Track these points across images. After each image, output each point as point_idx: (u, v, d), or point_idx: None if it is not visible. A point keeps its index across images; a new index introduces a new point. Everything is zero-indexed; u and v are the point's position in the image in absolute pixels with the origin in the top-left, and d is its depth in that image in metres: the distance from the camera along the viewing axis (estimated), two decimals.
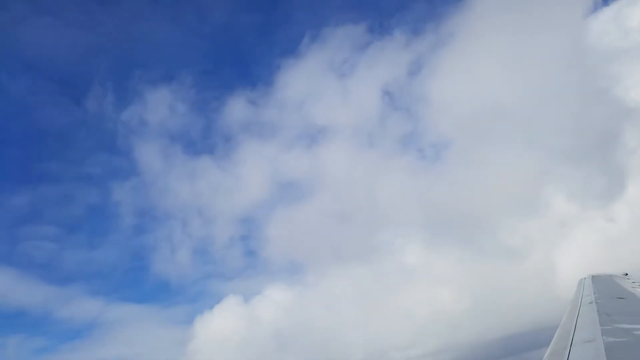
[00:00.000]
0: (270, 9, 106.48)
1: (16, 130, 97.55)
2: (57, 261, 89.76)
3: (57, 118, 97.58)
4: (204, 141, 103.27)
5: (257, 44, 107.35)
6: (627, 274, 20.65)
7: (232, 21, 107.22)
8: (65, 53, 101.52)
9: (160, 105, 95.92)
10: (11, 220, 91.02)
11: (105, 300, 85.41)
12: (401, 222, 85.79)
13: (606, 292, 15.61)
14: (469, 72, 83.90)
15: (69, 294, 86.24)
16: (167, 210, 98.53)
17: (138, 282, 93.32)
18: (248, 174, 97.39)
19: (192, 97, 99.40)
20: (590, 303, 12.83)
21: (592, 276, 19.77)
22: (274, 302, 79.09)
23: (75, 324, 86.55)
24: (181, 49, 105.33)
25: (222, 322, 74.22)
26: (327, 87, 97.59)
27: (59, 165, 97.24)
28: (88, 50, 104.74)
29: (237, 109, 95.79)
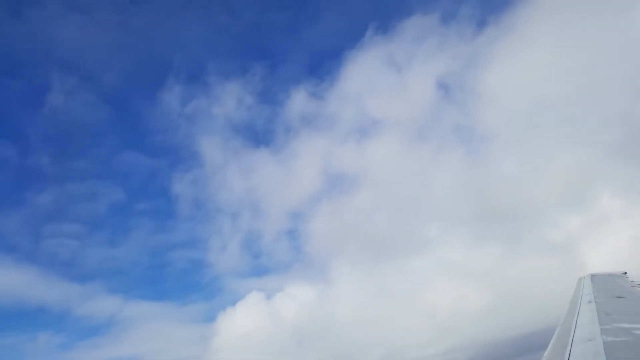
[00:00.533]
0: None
1: (51, 128, 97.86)
2: (79, 259, 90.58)
3: (88, 117, 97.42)
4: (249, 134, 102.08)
5: (324, 36, 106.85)
6: (626, 273, 20.70)
7: (301, 13, 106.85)
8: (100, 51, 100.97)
9: (228, 99, 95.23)
10: (37, 218, 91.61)
11: (124, 298, 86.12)
12: (442, 217, 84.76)
13: (605, 291, 15.65)
14: (521, 65, 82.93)
15: (89, 292, 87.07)
16: (195, 207, 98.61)
17: (157, 280, 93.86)
18: (296, 169, 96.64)
19: (258, 89, 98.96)
20: (590, 302, 12.87)
21: (592, 275, 19.82)
22: (297, 299, 78.71)
23: (94, 322, 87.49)
24: (245, 42, 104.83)
25: (243, 320, 74.03)
26: (384, 79, 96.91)
27: (84, 163, 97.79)
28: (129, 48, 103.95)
29: (297, 101, 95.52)
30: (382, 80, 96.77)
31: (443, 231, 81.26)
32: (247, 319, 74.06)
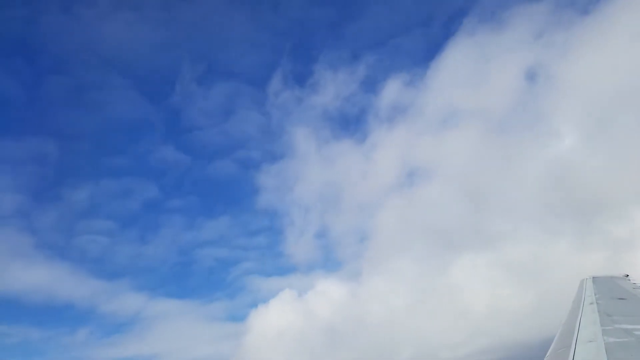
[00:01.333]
0: None
1: (92, 125, 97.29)
2: (109, 256, 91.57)
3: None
4: None
5: (423, 24, 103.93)
6: (627, 275, 20.71)
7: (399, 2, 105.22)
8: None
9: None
10: (71, 214, 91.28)
11: (150, 295, 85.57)
12: (510, 212, 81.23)
13: (607, 293, 15.68)
14: (606, 56, 79.62)
15: (115, 289, 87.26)
16: (225, 205, 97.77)
17: (183, 278, 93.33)
18: (365, 162, 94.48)
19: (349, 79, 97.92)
20: (591, 304, 12.91)
21: (593, 277, 19.83)
22: (328, 297, 76.88)
23: (118, 319, 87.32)
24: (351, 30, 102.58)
25: (274, 318, 72.53)
26: (473, 68, 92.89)
27: (123, 160, 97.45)
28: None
29: (388, 92, 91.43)
30: (472, 70, 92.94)
31: (507, 227, 78.32)
32: (276, 317, 72.64)
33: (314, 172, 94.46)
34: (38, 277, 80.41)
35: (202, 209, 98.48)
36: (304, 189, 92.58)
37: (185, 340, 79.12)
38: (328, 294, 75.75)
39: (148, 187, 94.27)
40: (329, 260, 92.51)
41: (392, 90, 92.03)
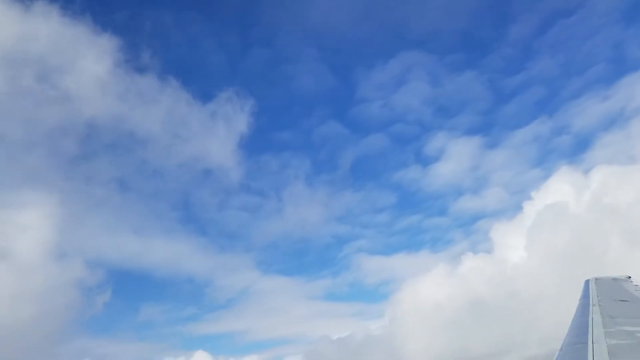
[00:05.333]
0: None
1: (273, 99, 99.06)
2: (243, 231, 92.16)
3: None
4: None
5: None
6: (630, 277, 20.78)
7: None
8: None
9: None
10: (226, 189, 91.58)
11: (263, 271, 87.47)
12: None
13: (609, 294, 15.78)
14: None
15: (235, 264, 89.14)
16: (360, 179, 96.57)
17: (301, 254, 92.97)
18: None
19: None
20: (594, 305, 13.02)
21: (596, 279, 19.90)
22: (469, 275, 68.68)
23: (228, 294, 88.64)
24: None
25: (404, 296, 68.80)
26: None
27: (288, 134, 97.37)
28: None
29: None
30: None
31: None
32: (416, 293, 68.70)
33: (459, 151, 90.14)
34: (173, 251, 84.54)
35: (343, 184, 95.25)
36: (449, 166, 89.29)
37: (305, 318, 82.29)
38: (471, 272, 70.28)
39: (304, 162, 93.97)
40: (464, 237, 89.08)
41: None
